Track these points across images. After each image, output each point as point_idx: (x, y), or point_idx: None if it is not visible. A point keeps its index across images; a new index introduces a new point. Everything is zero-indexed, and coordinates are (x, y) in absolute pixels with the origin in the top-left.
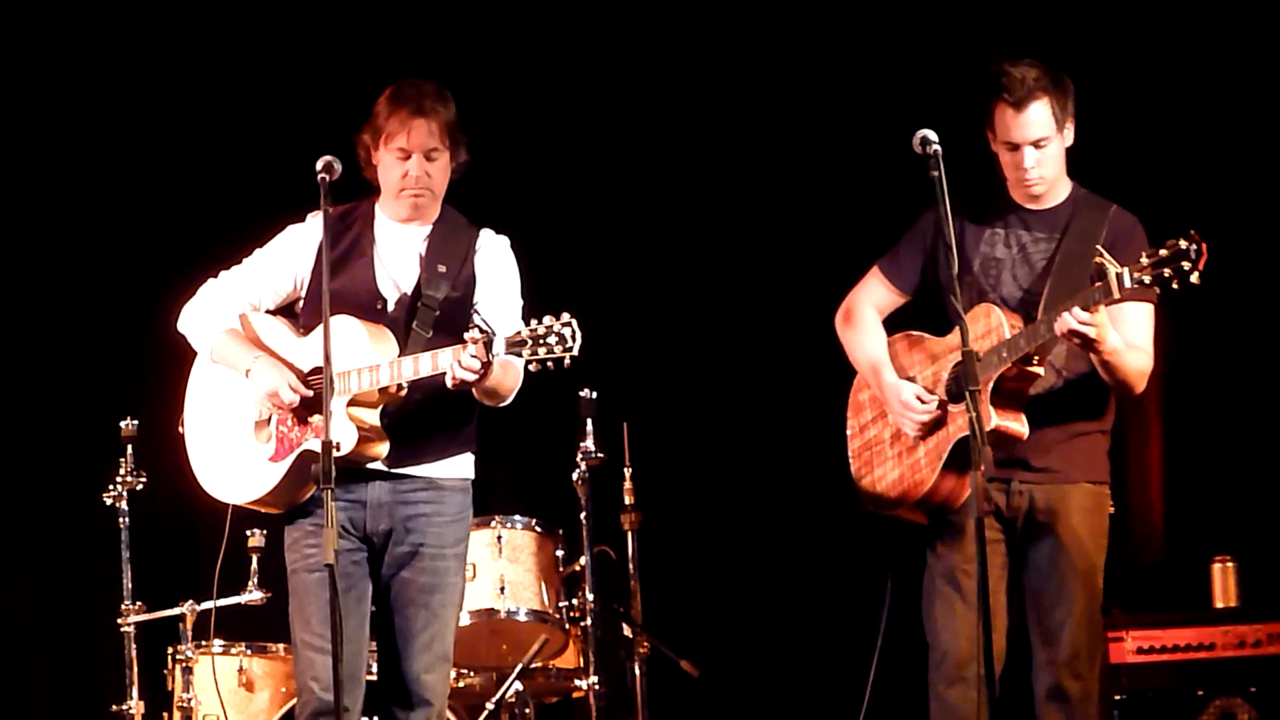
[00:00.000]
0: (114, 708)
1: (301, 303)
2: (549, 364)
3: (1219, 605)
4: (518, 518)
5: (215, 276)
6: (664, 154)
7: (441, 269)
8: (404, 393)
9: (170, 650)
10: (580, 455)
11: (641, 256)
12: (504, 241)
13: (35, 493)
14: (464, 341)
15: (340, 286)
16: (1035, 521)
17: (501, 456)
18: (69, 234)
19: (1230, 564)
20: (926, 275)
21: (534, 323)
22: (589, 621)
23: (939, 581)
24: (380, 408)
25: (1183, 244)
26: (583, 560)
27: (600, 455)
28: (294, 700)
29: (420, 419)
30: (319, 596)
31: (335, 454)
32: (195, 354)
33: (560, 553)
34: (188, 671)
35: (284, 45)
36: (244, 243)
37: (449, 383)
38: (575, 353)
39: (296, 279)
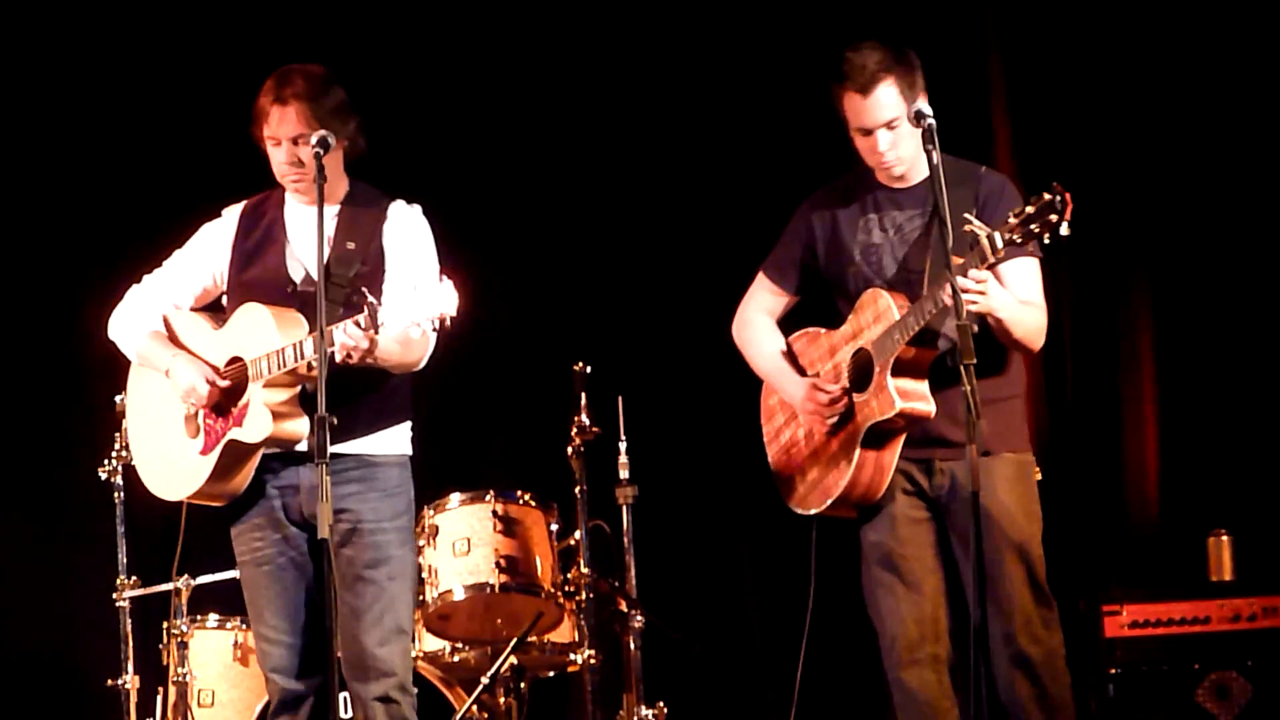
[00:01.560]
0: (109, 682)
1: (225, 297)
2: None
3: (1215, 579)
4: (513, 492)
5: (139, 281)
6: (655, 127)
7: (350, 246)
8: (314, 371)
9: (165, 625)
10: (575, 429)
11: (636, 230)
12: (415, 211)
13: (30, 468)
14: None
15: (255, 275)
16: (961, 498)
17: (496, 431)
18: (65, 212)
19: (1226, 538)
20: (809, 270)
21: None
22: (584, 595)
23: (876, 569)
24: (298, 389)
25: (1046, 196)
26: (577, 534)
27: (595, 429)
28: None
29: (343, 396)
30: (268, 590)
31: (255, 442)
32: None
33: (555, 527)
34: (183, 646)
35: (209, 39)
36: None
37: (338, 357)
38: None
39: (215, 275)
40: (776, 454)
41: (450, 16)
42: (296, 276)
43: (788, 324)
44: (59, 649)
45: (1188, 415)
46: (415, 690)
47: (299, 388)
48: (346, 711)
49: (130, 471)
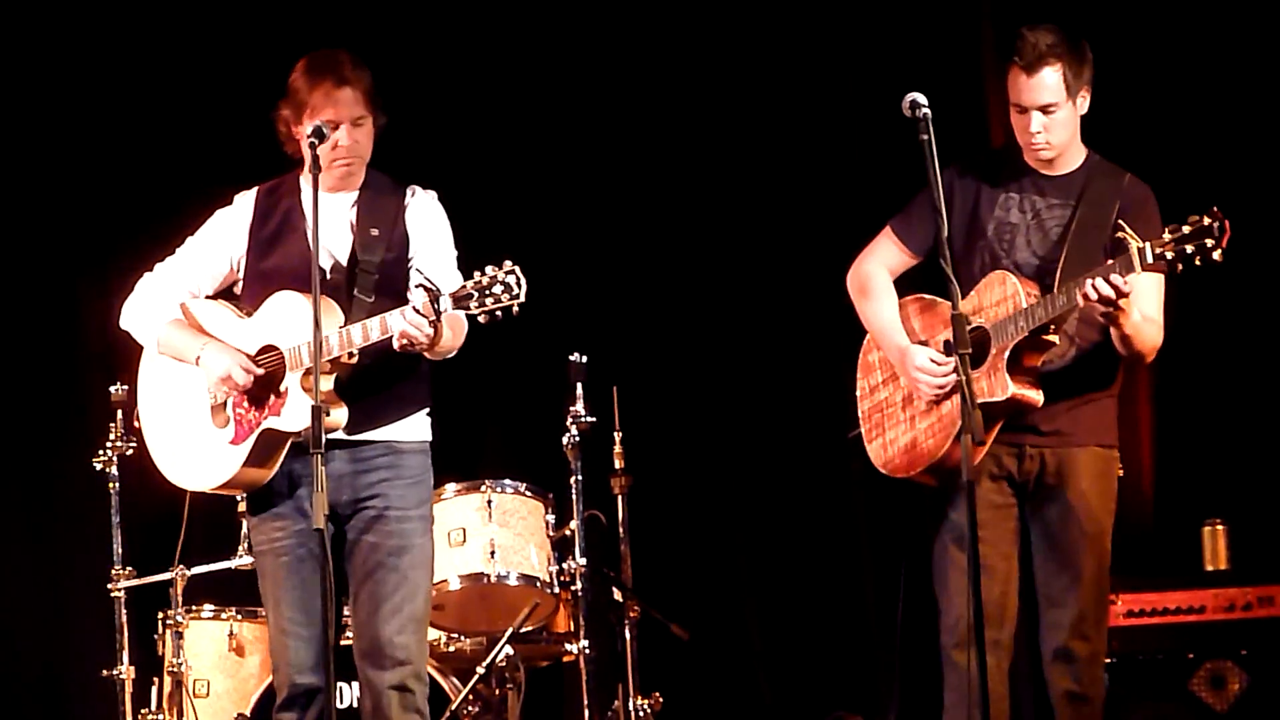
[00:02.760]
0: (104, 672)
1: (240, 285)
2: (497, 314)
3: (1209, 568)
4: (508, 482)
5: (150, 270)
6: (652, 117)
7: (374, 232)
8: (355, 359)
9: (160, 615)
10: (570, 419)
11: (631, 220)
12: (431, 196)
13: (25, 458)
14: (408, 302)
15: (277, 263)
16: (1045, 484)
17: (491, 421)
18: (59, 203)
19: (1220, 527)
20: (939, 235)
21: (477, 275)
22: (579, 586)
23: (951, 547)
24: (334, 376)
25: (1206, 221)
26: (573, 524)
27: (590, 419)
28: None
29: (373, 382)
30: (286, 581)
31: (295, 431)
32: (141, 349)
33: (550, 517)
34: (178, 636)
35: (213, 26)
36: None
37: (396, 345)
38: (523, 299)
39: (232, 261)
40: (869, 411)
41: (446, 7)
42: (325, 264)
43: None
44: (54, 640)
45: (1182, 404)
46: (428, 680)
47: (334, 376)
48: (342, 702)
49: (125, 462)
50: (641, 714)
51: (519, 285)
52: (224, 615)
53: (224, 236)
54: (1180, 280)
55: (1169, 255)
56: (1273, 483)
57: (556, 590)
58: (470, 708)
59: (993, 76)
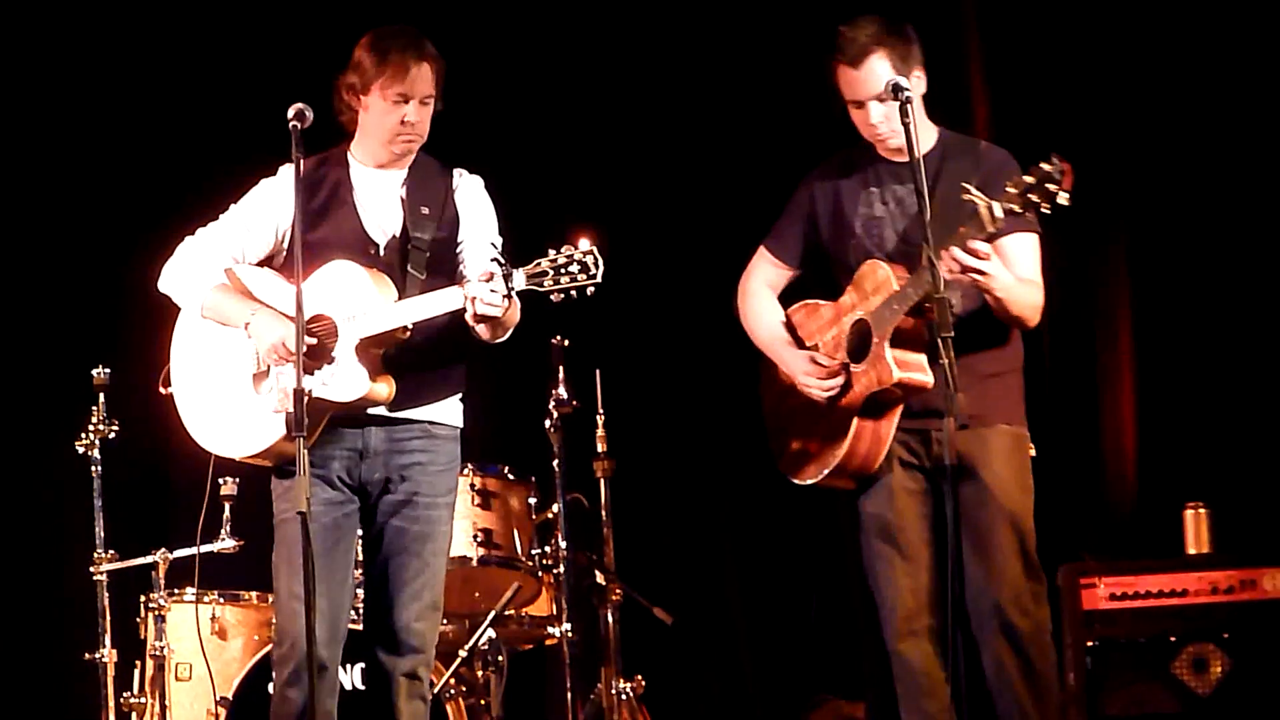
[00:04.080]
0: (87, 656)
1: (285, 255)
2: (572, 293)
3: (1192, 551)
4: (490, 465)
5: (192, 234)
6: (632, 101)
7: (425, 210)
8: (409, 335)
9: (143, 599)
10: (553, 403)
11: (613, 204)
12: (478, 180)
13: (6, 441)
14: (464, 278)
15: (327, 234)
16: (958, 469)
17: (474, 404)
18: (41, 183)
19: (1203, 510)
20: (810, 244)
21: (553, 253)
22: (562, 569)
23: (874, 540)
24: (383, 351)
25: (1045, 166)
26: (555, 508)
27: (573, 402)
28: (267, 648)
29: (418, 361)
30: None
31: (346, 401)
32: (175, 312)
33: (533, 500)
34: (160, 620)
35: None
36: (215, 194)
37: (469, 316)
38: (599, 280)
39: (278, 231)
40: (775, 425)
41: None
42: (379, 239)
43: (787, 298)
44: (37, 623)
45: (1165, 388)
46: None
47: (384, 350)
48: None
49: (107, 446)
50: (624, 697)
51: (596, 266)
52: (206, 598)
53: (271, 205)
54: (1163, 264)
55: (1016, 208)
56: (1255, 465)
57: (539, 573)
58: (453, 690)
59: (977, 60)
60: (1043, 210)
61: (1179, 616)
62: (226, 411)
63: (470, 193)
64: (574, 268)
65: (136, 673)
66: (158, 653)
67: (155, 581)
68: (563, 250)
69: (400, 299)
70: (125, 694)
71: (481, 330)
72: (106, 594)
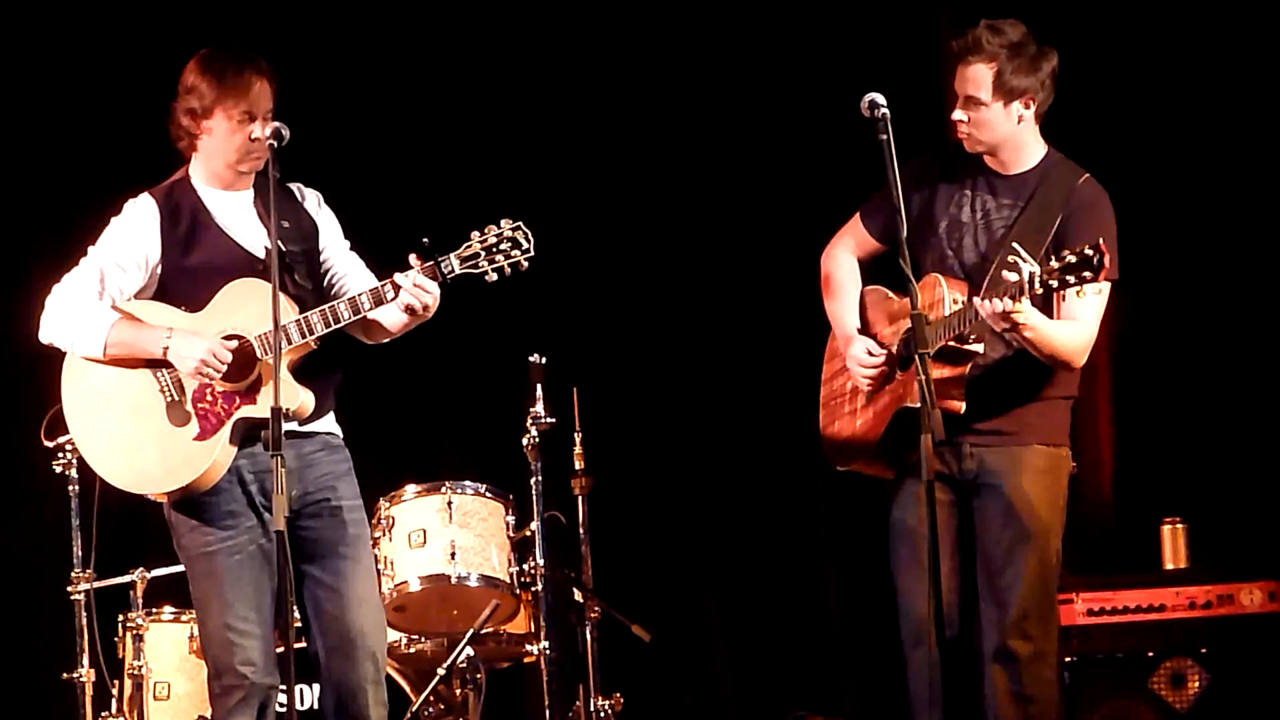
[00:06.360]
0: (64, 675)
1: (152, 289)
2: (506, 270)
3: (1169, 567)
4: (467, 483)
5: (59, 283)
6: (610, 116)
7: (285, 224)
8: (315, 346)
9: (121, 618)
10: (530, 420)
11: (591, 220)
12: (319, 193)
13: None
14: (331, 289)
15: (203, 259)
16: (986, 484)
17: (451, 421)
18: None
19: (1180, 526)
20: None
21: (478, 234)
22: (540, 586)
23: (899, 546)
24: (297, 364)
25: (1088, 251)
26: (533, 525)
27: (550, 420)
28: None
29: (317, 372)
30: (240, 579)
31: (290, 417)
32: (60, 367)
33: (511, 518)
34: (138, 639)
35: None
36: (57, 250)
37: (400, 306)
38: (532, 254)
39: (148, 263)
40: (825, 398)
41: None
42: (257, 254)
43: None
44: (15, 642)
45: (1142, 403)
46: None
47: (297, 362)
48: (302, 703)
49: (85, 465)
50: (602, 714)
51: (528, 240)
52: (184, 617)
53: (136, 240)
54: (1140, 278)
55: (1053, 284)
56: (1232, 480)
57: (517, 591)
58: (431, 709)
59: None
60: (1075, 292)
61: (1157, 632)
62: (143, 449)
63: (317, 205)
64: (505, 244)
65: (115, 692)
66: (136, 672)
67: (133, 601)
68: (489, 230)
69: (304, 310)
70: (104, 714)
71: (399, 323)
72: (85, 613)
